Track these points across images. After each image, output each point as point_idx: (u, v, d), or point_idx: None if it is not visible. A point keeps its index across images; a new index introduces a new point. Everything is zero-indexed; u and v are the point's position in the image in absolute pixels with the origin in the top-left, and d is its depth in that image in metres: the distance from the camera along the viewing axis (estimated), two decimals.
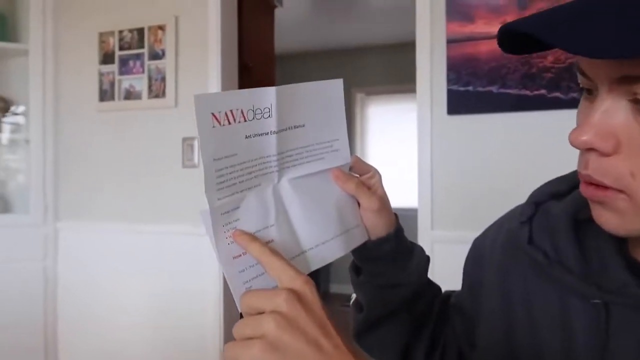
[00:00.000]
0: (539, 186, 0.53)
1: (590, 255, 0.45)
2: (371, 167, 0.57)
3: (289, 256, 0.47)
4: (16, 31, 2.28)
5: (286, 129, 0.47)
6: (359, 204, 0.55)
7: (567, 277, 0.45)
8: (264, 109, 0.44)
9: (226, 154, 0.42)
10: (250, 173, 0.45)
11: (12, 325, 2.15)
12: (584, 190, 0.40)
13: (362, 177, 0.56)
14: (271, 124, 0.45)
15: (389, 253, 0.58)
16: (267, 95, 0.44)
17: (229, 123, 0.42)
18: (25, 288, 2.20)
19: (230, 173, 0.43)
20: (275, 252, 0.43)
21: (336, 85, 0.51)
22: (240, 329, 0.40)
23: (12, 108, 2.28)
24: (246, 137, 0.44)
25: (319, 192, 0.51)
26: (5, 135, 2.30)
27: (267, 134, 0.45)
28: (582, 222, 0.46)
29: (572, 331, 0.45)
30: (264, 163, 0.46)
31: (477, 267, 0.58)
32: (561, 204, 0.49)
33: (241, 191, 0.45)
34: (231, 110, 0.42)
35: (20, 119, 2.29)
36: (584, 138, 0.37)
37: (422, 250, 0.63)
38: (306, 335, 0.38)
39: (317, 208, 0.51)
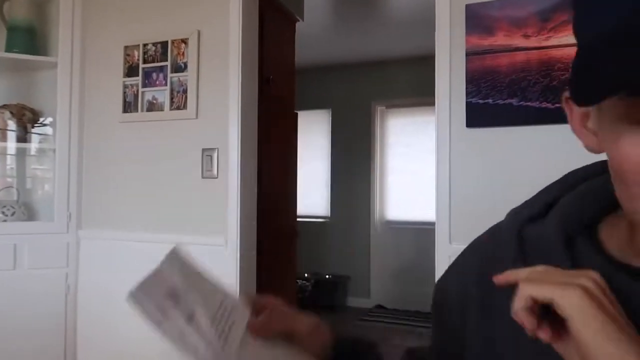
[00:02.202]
0: (510, 213, 0.51)
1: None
2: (263, 298, 0.53)
3: None
4: (46, 45, 2.36)
5: (193, 314, 0.47)
6: (293, 336, 0.50)
7: None
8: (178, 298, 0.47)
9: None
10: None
11: (33, 331, 2.19)
12: None
13: (267, 311, 0.51)
14: (181, 316, 0.46)
15: None
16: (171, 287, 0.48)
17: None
18: (48, 294, 2.24)
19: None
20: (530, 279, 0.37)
21: (178, 254, 0.52)
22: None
23: (41, 119, 2.35)
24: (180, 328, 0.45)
25: (258, 355, 0.49)
26: (34, 145, 2.37)
27: (186, 324, 0.46)
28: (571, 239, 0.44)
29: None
30: (211, 343, 0.45)
31: (445, 315, 0.55)
32: (542, 228, 0.47)
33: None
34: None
35: (48, 130, 2.36)
36: None
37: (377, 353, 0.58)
38: (612, 313, 0.34)
39: None
